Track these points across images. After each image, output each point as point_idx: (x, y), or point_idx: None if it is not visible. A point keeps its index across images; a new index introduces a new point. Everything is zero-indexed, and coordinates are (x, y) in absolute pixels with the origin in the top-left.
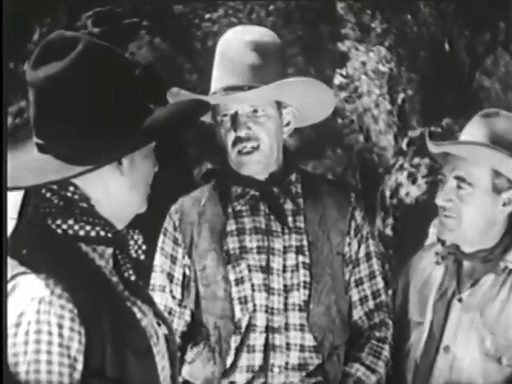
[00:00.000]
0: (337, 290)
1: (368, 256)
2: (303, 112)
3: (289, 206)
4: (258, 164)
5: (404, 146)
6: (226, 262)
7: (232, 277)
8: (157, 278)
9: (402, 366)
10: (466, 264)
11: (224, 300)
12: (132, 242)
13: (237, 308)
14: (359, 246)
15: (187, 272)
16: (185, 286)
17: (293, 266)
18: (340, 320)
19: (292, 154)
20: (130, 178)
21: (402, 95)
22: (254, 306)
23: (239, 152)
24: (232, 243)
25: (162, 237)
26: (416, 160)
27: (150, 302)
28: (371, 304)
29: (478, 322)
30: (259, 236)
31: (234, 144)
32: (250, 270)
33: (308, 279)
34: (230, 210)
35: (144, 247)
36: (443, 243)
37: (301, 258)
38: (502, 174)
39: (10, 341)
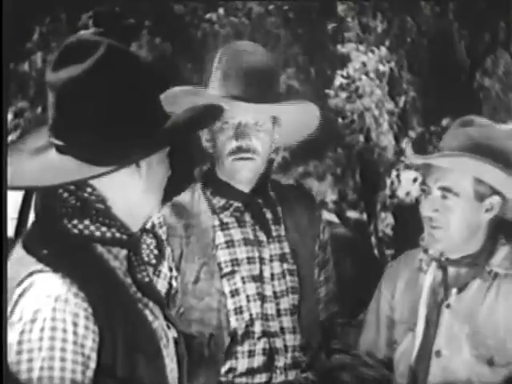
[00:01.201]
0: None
1: (329, 256)
2: (289, 131)
3: (269, 215)
4: (251, 172)
5: (404, 145)
6: (220, 276)
7: (227, 289)
8: None
9: (393, 370)
10: (452, 270)
11: (219, 311)
12: (144, 246)
13: (232, 318)
14: (326, 248)
15: (174, 284)
16: (169, 299)
17: (279, 273)
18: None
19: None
20: (147, 181)
21: (402, 95)
22: (251, 315)
23: (234, 159)
24: (223, 256)
25: None
26: None
27: (162, 305)
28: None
29: (467, 325)
30: (248, 247)
31: (233, 152)
32: (243, 282)
33: (295, 285)
34: (216, 222)
35: (155, 252)
36: (426, 250)
37: (285, 266)
38: (484, 182)
39: (25, 336)
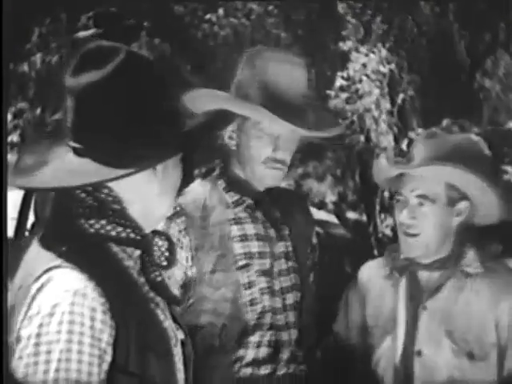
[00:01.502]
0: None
1: (316, 261)
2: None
3: (277, 214)
4: (278, 181)
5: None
6: (235, 268)
7: (243, 281)
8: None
9: (373, 373)
10: (424, 274)
11: (233, 302)
12: (156, 248)
13: (247, 309)
14: (315, 252)
15: (189, 274)
16: (183, 289)
17: (285, 270)
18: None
19: None
20: (162, 184)
21: (401, 96)
22: (263, 307)
23: (267, 167)
24: (238, 249)
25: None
26: None
27: (175, 303)
28: None
29: (444, 323)
30: (260, 242)
31: (268, 161)
32: (257, 275)
33: (298, 282)
34: (231, 216)
35: (167, 254)
36: (395, 258)
37: (290, 263)
38: (455, 187)
39: (43, 329)
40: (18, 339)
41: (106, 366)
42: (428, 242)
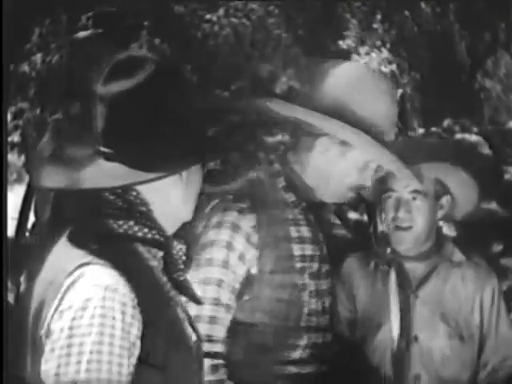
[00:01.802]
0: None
1: None
2: None
3: (328, 217)
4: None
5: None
6: (296, 269)
7: (298, 283)
8: (216, 272)
9: (369, 361)
10: (410, 265)
11: (288, 304)
12: (174, 252)
13: (299, 311)
14: None
15: (252, 271)
16: (243, 285)
17: (324, 273)
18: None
19: None
20: (186, 188)
21: (403, 96)
22: (310, 310)
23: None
24: (297, 250)
25: (229, 232)
26: None
27: (196, 302)
28: None
29: (437, 309)
30: (312, 245)
31: (353, 189)
32: (309, 278)
33: (331, 286)
34: (290, 216)
35: (184, 258)
36: (381, 252)
37: (325, 267)
38: (441, 182)
39: (76, 322)
40: (49, 332)
41: (134, 360)
42: (419, 235)
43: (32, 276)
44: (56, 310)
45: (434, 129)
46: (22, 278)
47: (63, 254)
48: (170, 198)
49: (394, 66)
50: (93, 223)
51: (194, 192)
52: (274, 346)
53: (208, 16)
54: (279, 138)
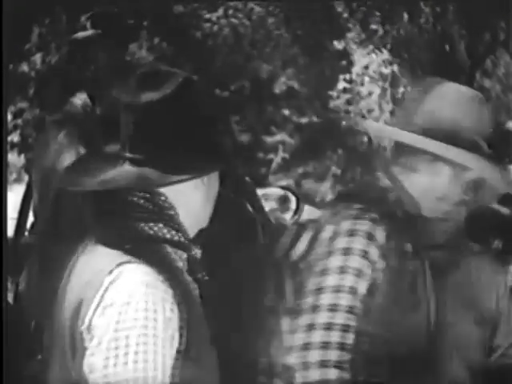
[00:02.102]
0: None
1: None
2: None
3: None
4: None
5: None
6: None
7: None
8: (350, 280)
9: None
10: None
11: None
12: (193, 253)
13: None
14: None
15: (377, 282)
16: (370, 295)
17: None
18: None
19: None
20: (206, 193)
21: (402, 92)
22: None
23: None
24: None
25: (364, 241)
26: None
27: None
28: None
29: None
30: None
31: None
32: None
33: None
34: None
35: (199, 262)
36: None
37: None
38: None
39: (121, 317)
40: (90, 328)
41: (173, 351)
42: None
43: (32, 276)
44: (98, 306)
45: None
46: (22, 278)
47: (99, 254)
48: (191, 201)
49: (394, 66)
50: (124, 225)
51: (213, 197)
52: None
53: (207, 16)
54: (279, 138)
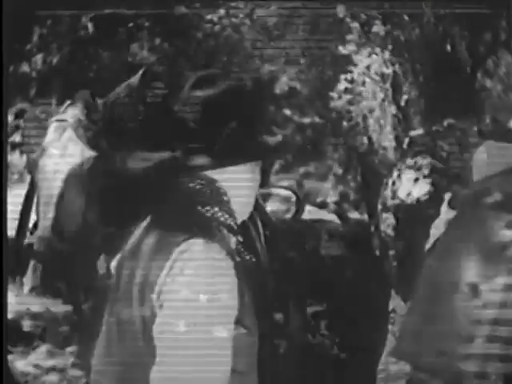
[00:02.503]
0: None
1: None
2: None
3: None
4: None
5: (405, 146)
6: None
7: None
8: None
9: None
10: None
11: None
12: (239, 238)
13: None
14: None
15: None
16: None
17: None
18: None
19: None
20: (253, 184)
21: (405, 97)
22: None
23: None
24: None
25: None
26: (417, 160)
27: None
28: None
29: None
30: None
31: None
32: None
33: None
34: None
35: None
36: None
37: None
38: None
39: (192, 280)
40: (161, 293)
41: (234, 319)
42: None
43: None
44: (167, 275)
45: (434, 128)
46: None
47: (162, 236)
48: (240, 192)
49: (396, 67)
50: (185, 209)
51: (257, 187)
52: None
53: (209, 16)
54: (279, 137)
